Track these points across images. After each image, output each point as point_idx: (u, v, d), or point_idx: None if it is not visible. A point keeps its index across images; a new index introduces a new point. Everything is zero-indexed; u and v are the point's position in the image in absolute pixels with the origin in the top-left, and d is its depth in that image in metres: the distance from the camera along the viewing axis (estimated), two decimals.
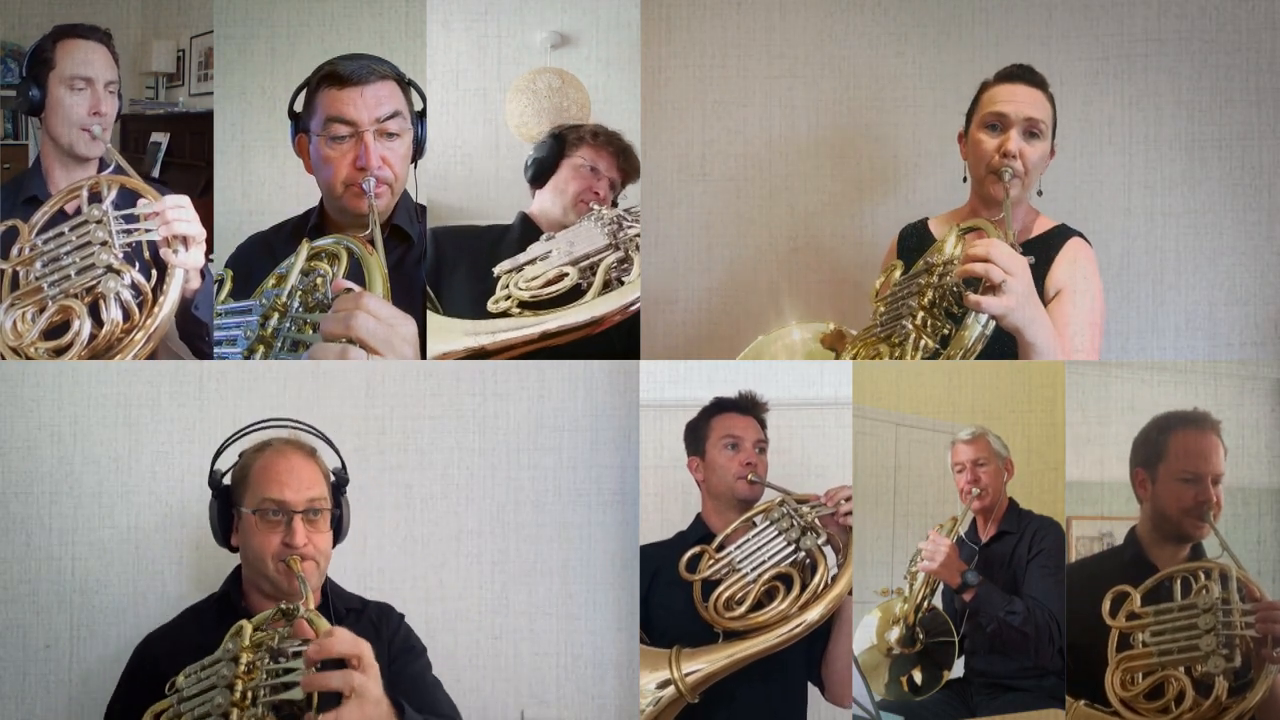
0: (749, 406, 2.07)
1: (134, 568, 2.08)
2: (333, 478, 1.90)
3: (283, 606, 1.66)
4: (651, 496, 2.10)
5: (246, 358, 1.87)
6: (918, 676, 2.11)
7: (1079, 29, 2.26)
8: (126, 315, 1.88)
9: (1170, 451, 1.98)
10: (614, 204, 2.19)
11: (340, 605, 1.89)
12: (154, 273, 1.89)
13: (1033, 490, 2.12)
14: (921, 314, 1.90)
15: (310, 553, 1.81)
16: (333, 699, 1.52)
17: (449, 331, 1.92)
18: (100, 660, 2.06)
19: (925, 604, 2.10)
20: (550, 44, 2.24)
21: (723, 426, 2.06)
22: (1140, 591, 1.90)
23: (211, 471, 1.88)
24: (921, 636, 2.10)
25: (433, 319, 1.96)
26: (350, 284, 1.84)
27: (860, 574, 2.04)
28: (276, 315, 1.88)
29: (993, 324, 1.82)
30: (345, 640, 1.56)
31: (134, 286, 1.88)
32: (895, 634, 2.11)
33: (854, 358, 2.01)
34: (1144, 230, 2.25)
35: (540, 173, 2.18)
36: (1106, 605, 1.92)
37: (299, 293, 1.89)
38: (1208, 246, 2.23)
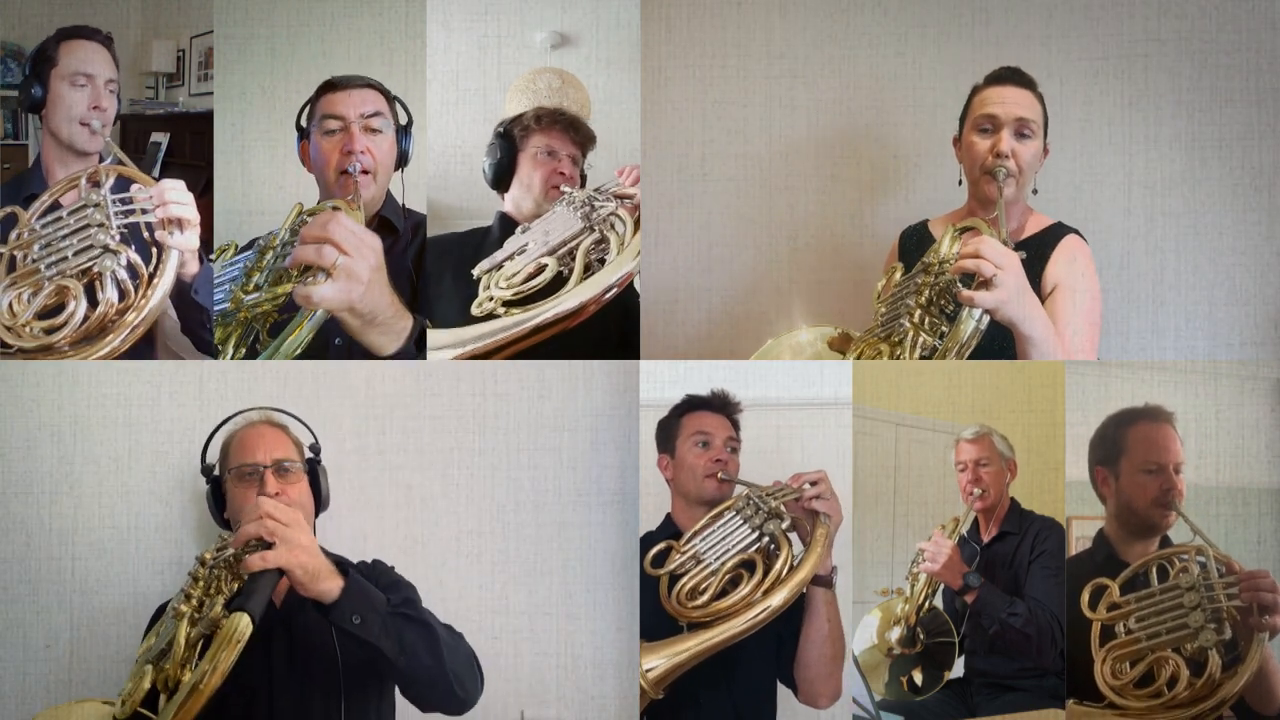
0: (721, 405, 2.03)
1: (134, 568, 2.08)
2: (307, 452, 2.00)
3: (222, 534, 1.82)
4: (651, 496, 2.10)
5: (234, 310, 1.96)
6: (918, 677, 2.11)
7: (1079, 29, 2.26)
8: (122, 295, 1.88)
9: (1130, 446, 1.98)
10: (582, 177, 2.17)
11: None
12: (153, 255, 1.91)
13: (1033, 490, 2.12)
14: (919, 312, 1.91)
15: (284, 500, 1.87)
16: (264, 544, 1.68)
17: (440, 344, 1.90)
18: (100, 660, 2.06)
19: (926, 605, 2.10)
20: (550, 44, 2.24)
21: (694, 424, 2.02)
22: (1119, 582, 1.89)
23: (203, 464, 1.98)
24: (922, 637, 2.10)
25: (429, 335, 1.96)
26: None
27: (860, 574, 2.04)
28: (267, 254, 1.99)
29: (986, 319, 1.82)
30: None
31: (130, 267, 1.89)
32: (896, 634, 2.11)
33: (858, 357, 2.01)
34: (1144, 230, 2.25)
35: (500, 175, 2.16)
36: (1085, 598, 1.90)
37: (284, 244, 2.00)
38: (1208, 246, 2.23)
